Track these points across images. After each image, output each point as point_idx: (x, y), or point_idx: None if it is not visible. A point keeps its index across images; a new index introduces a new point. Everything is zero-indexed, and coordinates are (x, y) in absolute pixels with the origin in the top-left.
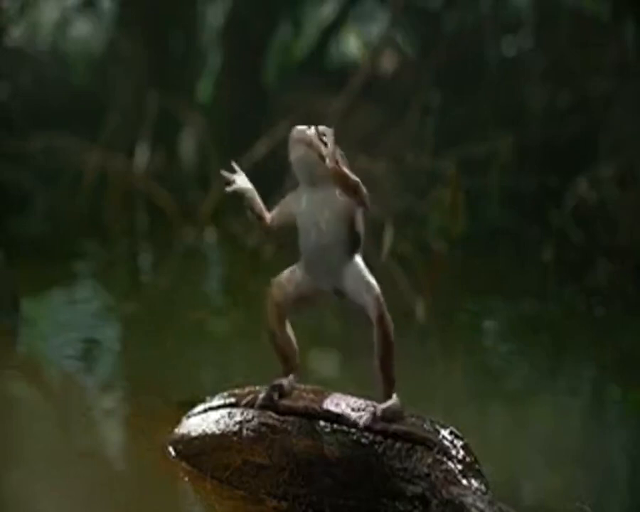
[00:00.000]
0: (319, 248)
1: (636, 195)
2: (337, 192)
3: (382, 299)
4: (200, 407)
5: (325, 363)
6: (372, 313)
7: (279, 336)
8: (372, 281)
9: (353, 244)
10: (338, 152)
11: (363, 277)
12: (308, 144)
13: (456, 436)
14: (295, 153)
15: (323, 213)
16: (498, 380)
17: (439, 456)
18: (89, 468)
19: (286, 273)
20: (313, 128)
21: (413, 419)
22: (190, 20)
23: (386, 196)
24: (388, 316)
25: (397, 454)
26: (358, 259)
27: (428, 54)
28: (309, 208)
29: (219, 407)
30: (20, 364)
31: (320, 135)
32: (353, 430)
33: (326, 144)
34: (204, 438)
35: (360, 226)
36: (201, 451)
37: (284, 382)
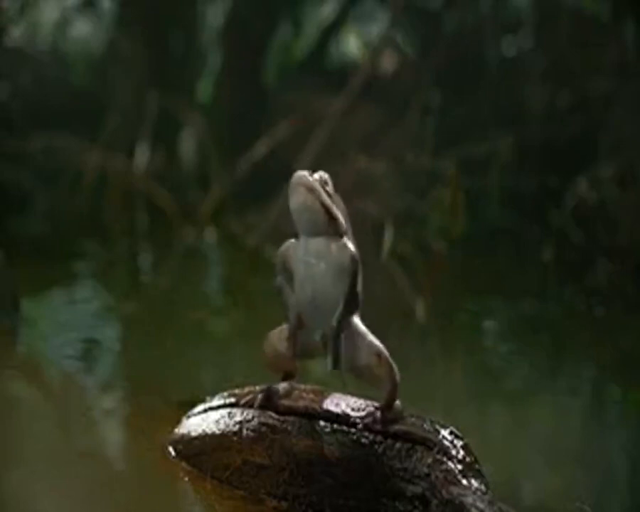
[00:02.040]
0: (313, 303)
1: (636, 195)
2: (336, 245)
3: (389, 361)
4: (200, 407)
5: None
6: (382, 381)
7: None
8: (375, 341)
9: (350, 305)
10: (335, 196)
11: (363, 341)
12: (310, 189)
13: (456, 436)
14: (295, 199)
15: (319, 265)
16: (498, 380)
17: (439, 456)
18: (89, 468)
19: (276, 332)
20: (315, 174)
21: (413, 419)
22: (190, 20)
23: (386, 196)
24: (396, 374)
25: (397, 454)
26: (357, 320)
27: (428, 54)
28: (306, 258)
29: (219, 407)
30: (20, 364)
31: (322, 182)
32: (353, 430)
33: (328, 193)
34: (204, 438)
35: (360, 286)
36: (201, 451)
37: (284, 384)
